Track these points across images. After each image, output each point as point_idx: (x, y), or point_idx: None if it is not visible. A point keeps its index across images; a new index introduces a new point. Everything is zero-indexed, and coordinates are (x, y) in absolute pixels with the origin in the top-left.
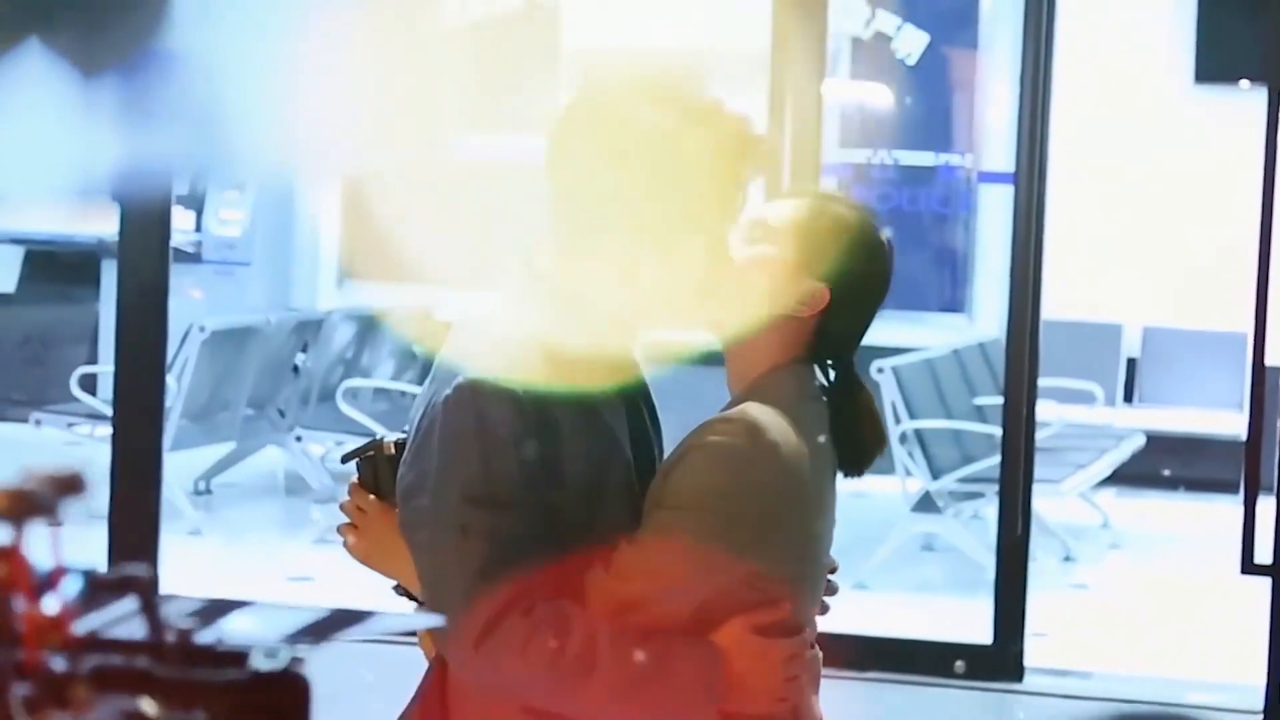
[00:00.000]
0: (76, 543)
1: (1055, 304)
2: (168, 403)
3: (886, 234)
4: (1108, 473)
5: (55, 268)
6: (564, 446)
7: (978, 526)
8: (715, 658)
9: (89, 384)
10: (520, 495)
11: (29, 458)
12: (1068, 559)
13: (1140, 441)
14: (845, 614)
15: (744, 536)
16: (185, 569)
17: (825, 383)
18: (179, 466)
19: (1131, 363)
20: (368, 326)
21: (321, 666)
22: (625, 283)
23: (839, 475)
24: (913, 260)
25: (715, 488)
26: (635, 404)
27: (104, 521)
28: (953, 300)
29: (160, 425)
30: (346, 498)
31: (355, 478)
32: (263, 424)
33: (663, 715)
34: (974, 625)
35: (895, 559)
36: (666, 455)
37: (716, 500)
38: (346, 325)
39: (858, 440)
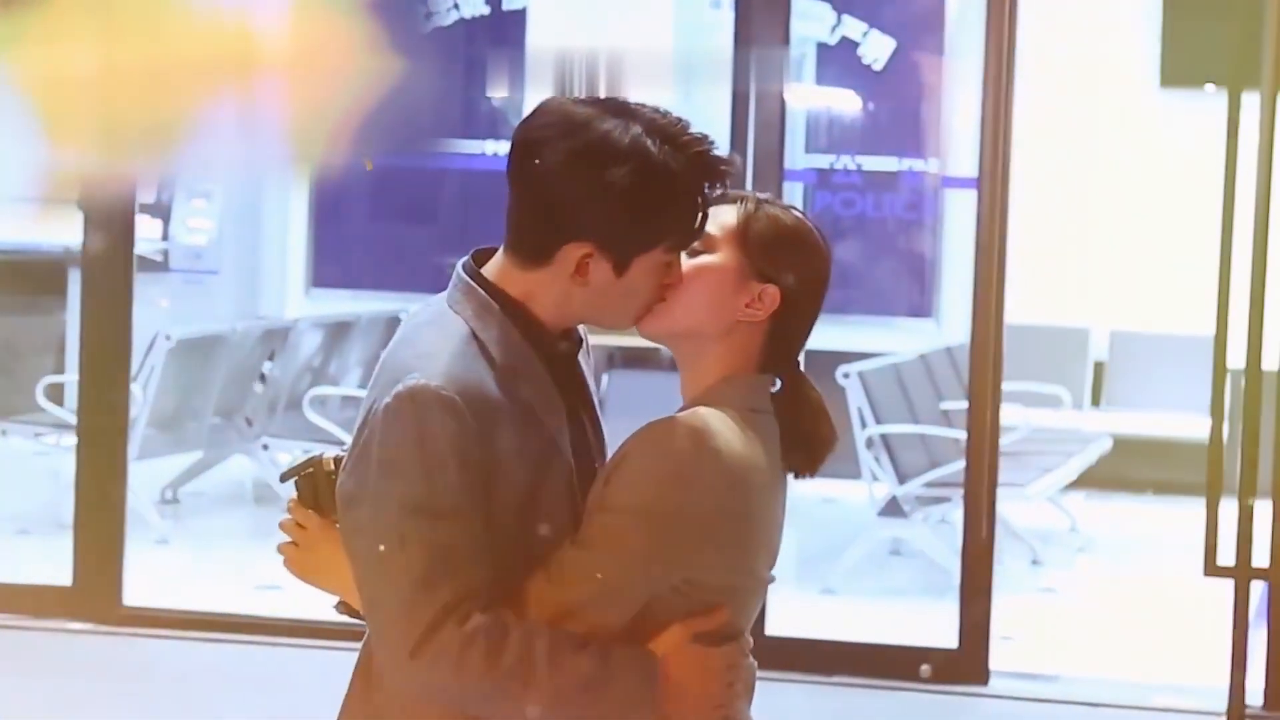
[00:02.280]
0: (43, 552)
1: (1022, 308)
2: (134, 412)
3: (822, 234)
4: (1074, 476)
5: (21, 277)
6: (503, 453)
7: (946, 531)
8: (653, 665)
9: (56, 394)
10: (459, 504)
11: None
12: (1035, 563)
13: (1107, 445)
14: (812, 619)
15: (682, 542)
16: (152, 578)
17: (776, 390)
18: (146, 476)
19: (1099, 366)
20: (335, 334)
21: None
22: (575, 294)
23: (790, 476)
24: (879, 266)
25: (654, 492)
26: (576, 407)
27: (69, 531)
28: (921, 305)
29: (125, 435)
30: (286, 515)
31: (294, 495)
32: (230, 433)
33: None
34: (941, 630)
35: (863, 564)
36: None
37: (655, 505)
38: (314, 333)
39: (808, 439)
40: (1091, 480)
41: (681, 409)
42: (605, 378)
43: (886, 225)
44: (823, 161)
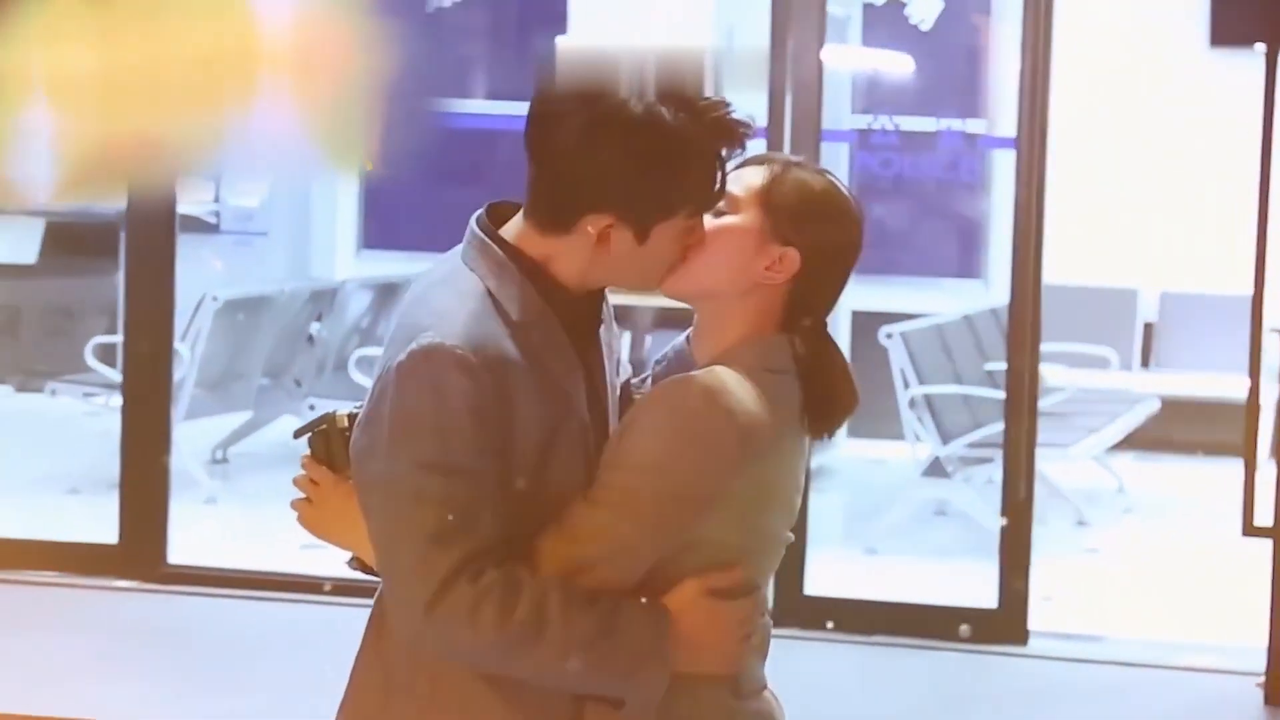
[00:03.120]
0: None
1: (1072, 270)
2: (182, 372)
3: (853, 196)
4: (1119, 437)
5: (76, 240)
6: (518, 411)
7: (990, 492)
8: (665, 619)
9: (106, 354)
10: (472, 462)
11: (48, 429)
12: (1081, 524)
13: (1155, 406)
14: (854, 579)
15: (694, 501)
16: (199, 537)
17: (798, 350)
18: (196, 436)
19: (1148, 328)
20: (383, 295)
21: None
22: (597, 261)
23: (811, 437)
24: (926, 227)
25: (666, 450)
26: (593, 367)
27: (117, 491)
28: (968, 267)
29: (169, 395)
30: (300, 472)
31: (308, 452)
32: (279, 393)
33: (613, 677)
34: (983, 590)
35: (907, 524)
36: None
37: (667, 463)
38: (361, 294)
39: (828, 401)
40: (1140, 441)
41: (700, 367)
42: (648, 338)
43: (933, 186)
44: (863, 122)
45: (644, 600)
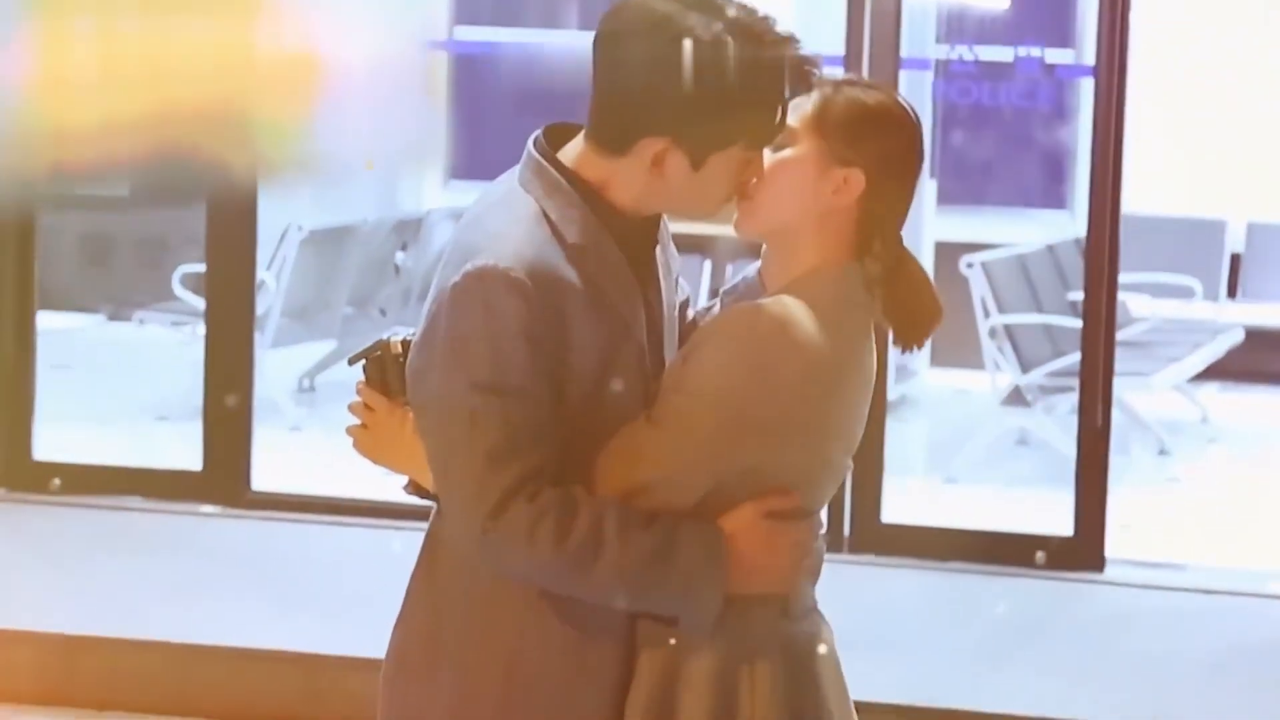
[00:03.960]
0: (178, 438)
1: (1160, 201)
2: (268, 302)
3: (910, 106)
4: (1201, 368)
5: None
6: (573, 333)
7: (1072, 421)
8: (720, 540)
9: (195, 284)
10: (527, 383)
11: (137, 357)
12: (1163, 453)
13: (1239, 337)
14: (934, 507)
15: (754, 428)
16: (283, 463)
17: (874, 272)
18: (282, 364)
19: (1235, 258)
20: None
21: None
22: (651, 185)
23: (899, 349)
24: (1007, 157)
25: (730, 377)
26: (650, 290)
27: (199, 417)
28: (1054, 197)
29: (251, 324)
30: (356, 398)
31: (362, 378)
32: (364, 323)
33: (668, 596)
34: (1062, 519)
35: (988, 454)
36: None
37: (729, 390)
38: (446, 224)
39: (914, 313)
40: (1226, 372)
41: (768, 297)
42: (729, 267)
43: (1011, 116)
44: (942, 52)
45: (701, 521)
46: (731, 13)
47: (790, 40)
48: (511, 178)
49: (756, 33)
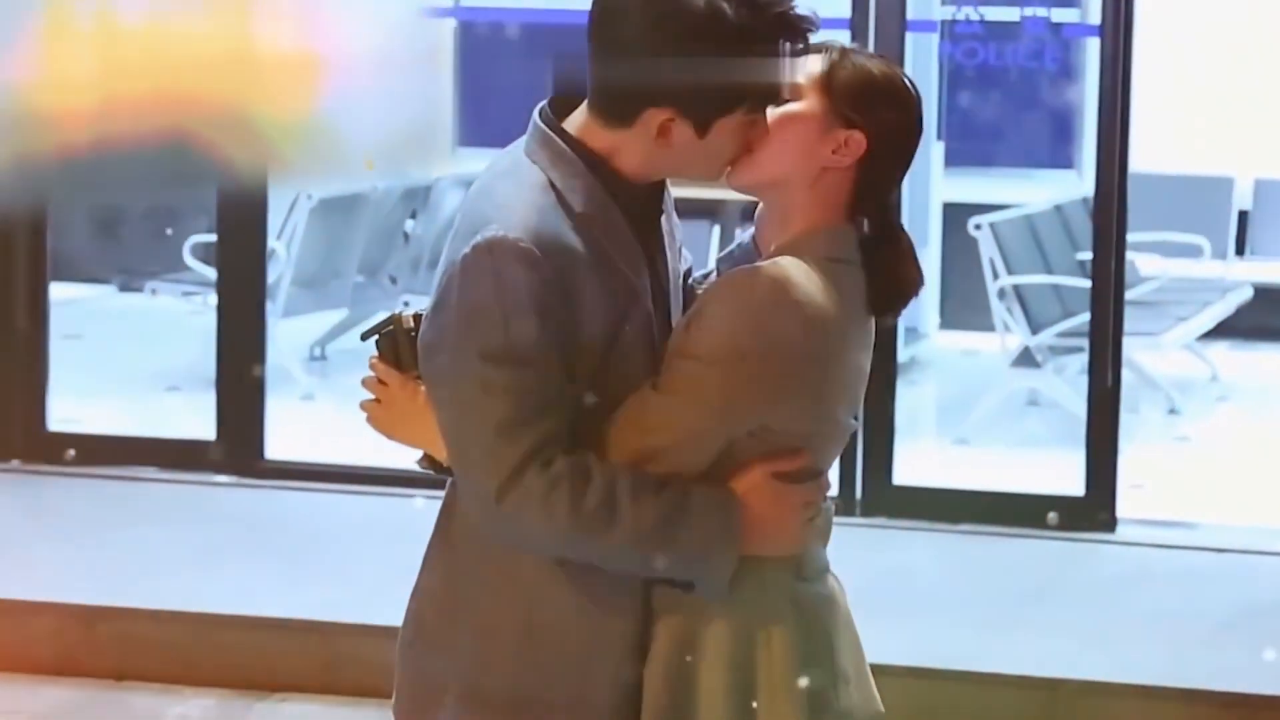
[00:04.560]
0: (191, 407)
1: (1166, 159)
2: (278, 271)
3: (910, 80)
4: (1210, 326)
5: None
6: (582, 302)
7: (1082, 381)
8: (733, 502)
9: (205, 254)
10: (538, 352)
11: (149, 327)
12: (1173, 412)
13: (1248, 294)
14: (945, 469)
15: (760, 388)
16: (295, 432)
17: (865, 234)
18: (294, 333)
19: (1243, 215)
20: None
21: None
22: (658, 153)
23: (873, 319)
24: (1013, 118)
25: (734, 339)
26: (655, 257)
27: (213, 387)
28: (1061, 157)
29: (263, 293)
30: (368, 373)
31: (375, 353)
32: (374, 291)
33: (683, 561)
34: (1072, 479)
35: (998, 414)
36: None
37: (734, 351)
38: (455, 191)
39: (894, 282)
40: (1235, 330)
41: (765, 259)
42: (739, 231)
43: (1017, 76)
44: (947, 13)
45: (714, 484)
46: None
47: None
48: (518, 148)
49: None
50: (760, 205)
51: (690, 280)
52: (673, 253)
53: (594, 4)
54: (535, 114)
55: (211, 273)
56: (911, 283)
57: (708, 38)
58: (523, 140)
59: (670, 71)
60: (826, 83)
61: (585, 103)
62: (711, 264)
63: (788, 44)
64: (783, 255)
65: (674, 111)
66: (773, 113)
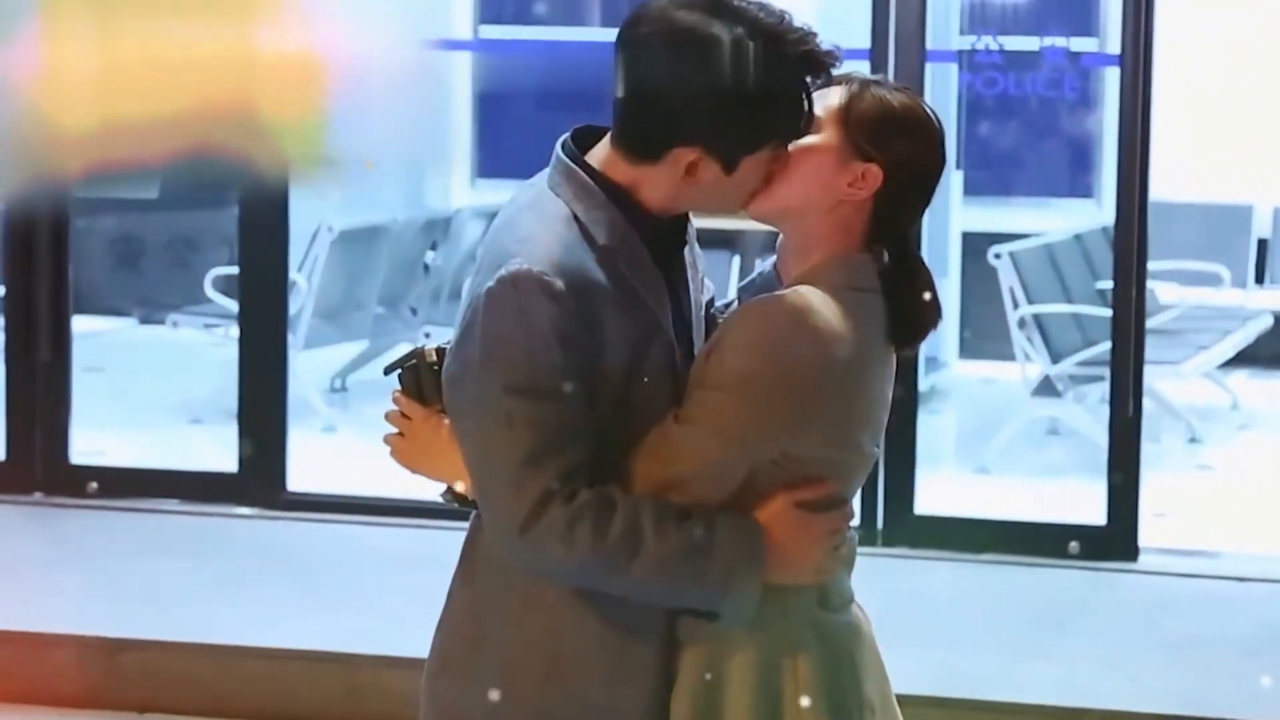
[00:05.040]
0: (212, 440)
1: (1186, 187)
2: (299, 302)
3: (934, 112)
4: (1231, 354)
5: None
6: (606, 334)
7: (1103, 410)
8: (757, 531)
9: (227, 286)
10: (562, 385)
11: (170, 360)
12: (1193, 440)
13: (1268, 323)
14: (965, 498)
15: (781, 417)
16: (317, 464)
17: (883, 266)
18: (315, 365)
19: (1262, 244)
20: None
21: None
22: (683, 189)
23: (894, 348)
24: (1033, 147)
25: (754, 368)
26: (677, 287)
27: (234, 419)
28: (1080, 186)
29: (284, 325)
30: (392, 407)
31: (399, 387)
32: (395, 322)
33: (707, 591)
34: (1094, 508)
35: (1019, 444)
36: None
37: (755, 381)
38: (475, 223)
39: (912, 314)
40: (1255, 358)
41: (785, 288)
42: (759, 261)
43: (1037, 105)
44: (967, 43)
45: (736, 514)
46: (750, 16)
47: (810, 35)
48: (541, 180)
49: (778, 34)
50: (780, 235)
51: (713, 309)
52: (695, 283)
53: (621, 42)
54: (558, 146)
55: (233, 305)
56: (928, 316)
57: (735, 77)
58: (546, 172)
59: (698, 111)
60: (844, 115)
61: (609, 136)
62: (733, 294)
63: (813, 80)
64: (802, 284)
65: (701, 150)
66: (791, 145)
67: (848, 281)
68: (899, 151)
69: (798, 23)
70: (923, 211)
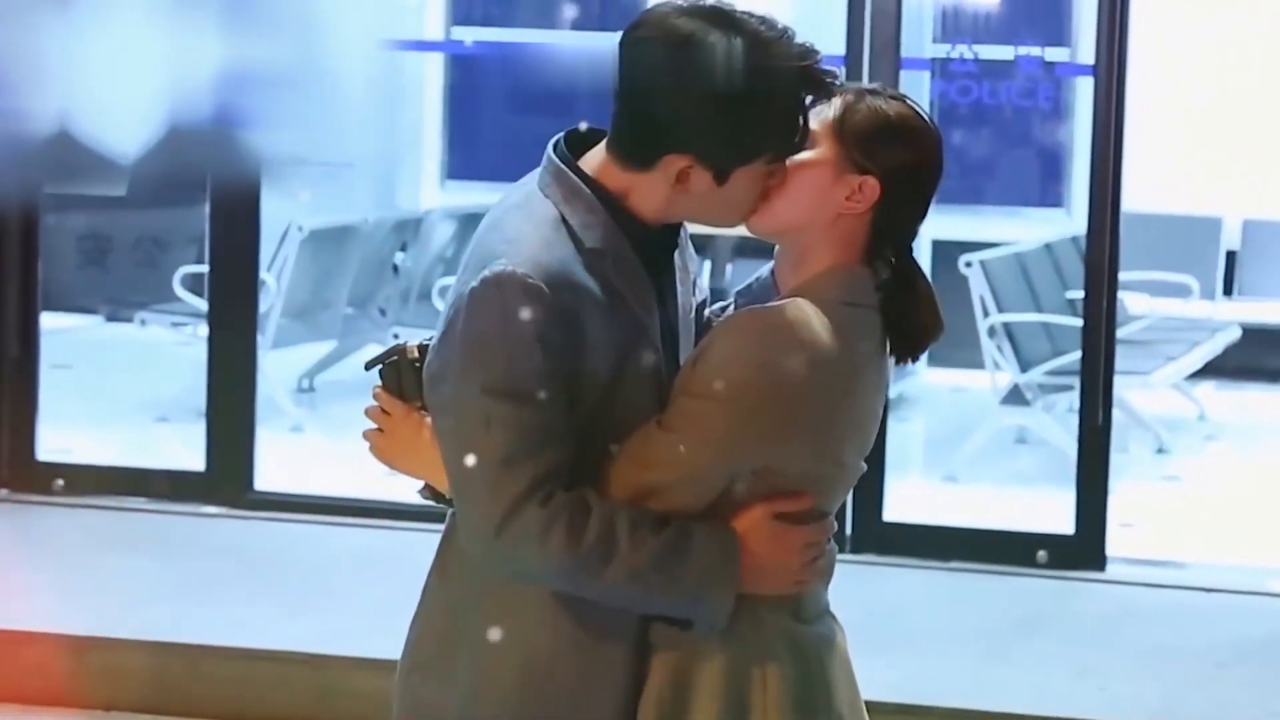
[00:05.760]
0: (180, 438)
1: (1155, 198)
2: (268, 302)
3: (931, 119)
4: (1199, 365)
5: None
6: (589, 338)
7: (1071, 419)
8: (733, 541)
9: (195, 284)
10: (541, 388)
11: (138, 358)
12: (1161, 451)
13: (1236, 334)
14: (933, 506)
15: (765, 429)
16: (285, 464)
17: (883, 278)
18: (283, 364)
19: (1231, 255)
20: (467, 225)
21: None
22: (675, 198)
23: (894, 360)
24: (1004, 156)
25: (740, 378)
26: (665, 294)
27: (203, 418)
28: (1051, 195)
29: (254, 324)
30: (372, 403)
31: (379, 383)
32: (364, 322)
33: (681, 599)
34: (1062, 517)
35: (987, 452)
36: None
37: (740, 391)
38: (445, 224)
39: (913, 327)
40: (1222, 369)
41: (781, 298)
42: (729, 267)
43: (1010, 114)
44: (941, 51)
45: (713, 523)
46: (751, 28)
47: (810, 52)
48: (531, 181)
49: (777, 49)
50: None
51: (707, 313)
52: (685, 288)
53: (622, 39)
54: (550, 148)
55: (201, 303)
56: (929, 329)
57: (731, 88)
58: (536, 173)
59: (692, 120)
60: (839, 128)
61: (604, 140)
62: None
63: (809, 95)
64: (797, 296)
65: (693, 159)
66: (788, 160)
67: (841, 296)
68: (895, 162)
69: (800, 39)
70: (922, 220)
